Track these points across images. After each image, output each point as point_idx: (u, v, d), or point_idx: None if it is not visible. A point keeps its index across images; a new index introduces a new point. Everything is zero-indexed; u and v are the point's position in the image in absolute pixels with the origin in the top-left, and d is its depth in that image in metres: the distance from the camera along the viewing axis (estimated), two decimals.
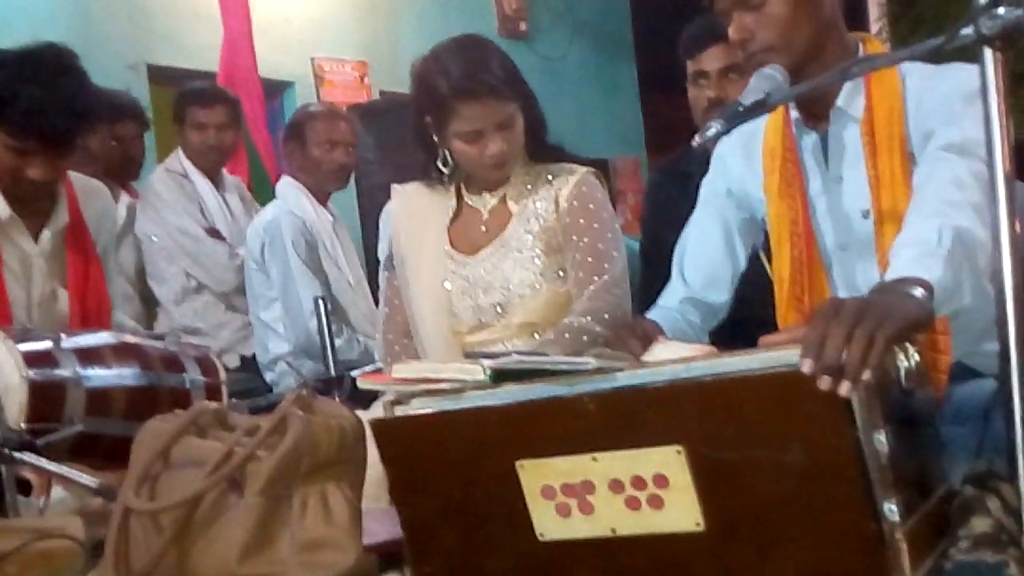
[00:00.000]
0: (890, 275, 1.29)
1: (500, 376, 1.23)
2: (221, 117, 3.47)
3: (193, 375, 1.99)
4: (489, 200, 2.14)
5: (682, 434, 1.11)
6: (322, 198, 3.31)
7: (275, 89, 5.30)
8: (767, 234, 1.85)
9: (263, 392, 3.10)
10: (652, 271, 2.56)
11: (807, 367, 1.05)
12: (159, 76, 4.82)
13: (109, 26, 4.64)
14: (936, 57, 1.41)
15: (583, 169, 2.11)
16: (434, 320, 2.12)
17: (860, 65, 1.44)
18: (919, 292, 1.23)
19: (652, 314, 1.82)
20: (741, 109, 1.55)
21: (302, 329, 3.08)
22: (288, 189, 3.26)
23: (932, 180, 1.50)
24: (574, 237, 2.06)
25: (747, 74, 1.70)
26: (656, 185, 2.64)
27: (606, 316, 2.00)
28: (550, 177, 2.11)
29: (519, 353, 1.32)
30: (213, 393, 2.00)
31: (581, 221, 2.06)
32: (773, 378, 1.08)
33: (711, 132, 1.54)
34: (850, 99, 1.71)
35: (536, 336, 2.07)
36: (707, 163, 2.55)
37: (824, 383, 1.05)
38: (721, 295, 1.88)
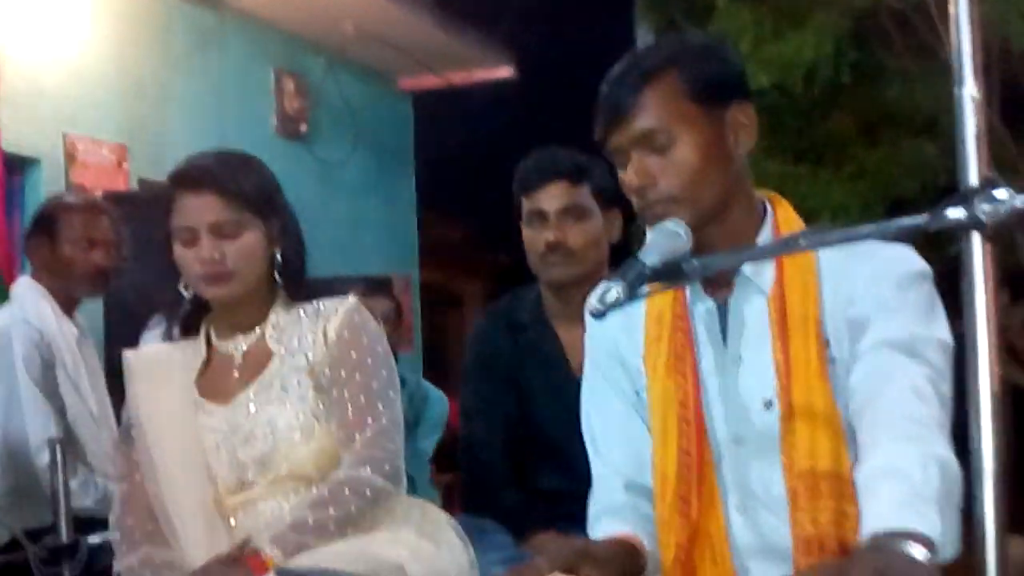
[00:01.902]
0: (871, 517, 1.07)
1: None
2: None
3: None
4: (243, 342, 1.84)
5: None
6: (69, 306, 2.74)
7: (17, 165, 4.63)
8: None
9: None
10: (476, 427, 2.28)
11: None
12: None
13: None
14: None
15: (353, 299, 1.84)
16: (188, 489, 1.78)
17: (809, 239, 1.17)
18: (920, 553, 1.03)
19: (605, 522, 1.47)
20: (646, 271, 1.27)
21: (24, 468, 2.50)
22: (26, 293, 2.69)
23: (888, 386, 1.26)
24: (343, 372, 1.78)
25: (644, 224, 1.44)
26: (483, 333, 2.33)
27: (387, 467, 1.74)
28: (316, 309, 1.83)
29: None
30: None
31: (352, 355, 1.80)
32: None
33: (611, 297, 1.25)
34: (758, 268, 1.45)
35: (313, 490, 1.75)
36: (540, 314, 2.27)
37: None
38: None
